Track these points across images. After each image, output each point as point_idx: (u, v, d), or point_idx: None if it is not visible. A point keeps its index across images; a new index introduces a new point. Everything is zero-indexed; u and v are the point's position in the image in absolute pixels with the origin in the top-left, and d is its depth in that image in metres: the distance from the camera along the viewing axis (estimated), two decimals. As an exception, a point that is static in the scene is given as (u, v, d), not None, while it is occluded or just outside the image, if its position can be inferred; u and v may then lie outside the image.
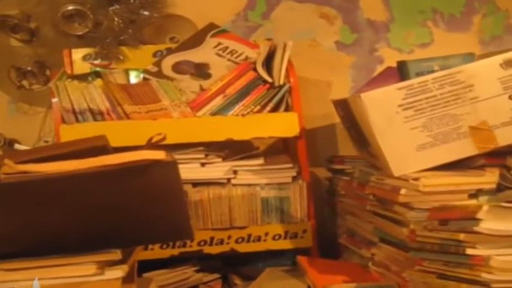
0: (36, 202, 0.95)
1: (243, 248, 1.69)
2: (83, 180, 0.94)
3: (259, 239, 1.68)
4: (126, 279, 1.02)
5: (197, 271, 1.71)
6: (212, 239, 1.66)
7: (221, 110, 1.68)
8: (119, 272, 0.99)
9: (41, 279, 0.98)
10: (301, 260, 1.59)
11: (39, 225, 0.96)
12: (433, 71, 1.38)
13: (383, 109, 1.30)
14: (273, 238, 1.69)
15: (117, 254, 0.98)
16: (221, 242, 1.67)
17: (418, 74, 1.42)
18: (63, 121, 1.63)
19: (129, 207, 0.97)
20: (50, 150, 1.03)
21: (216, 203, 1.64)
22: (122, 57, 1.83)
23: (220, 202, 1.64)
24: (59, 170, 0.93)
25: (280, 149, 1.94)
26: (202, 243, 1.66)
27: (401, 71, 1.47)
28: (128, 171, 0.94)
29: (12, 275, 0.98)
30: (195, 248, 1.66)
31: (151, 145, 1.00)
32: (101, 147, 1.03)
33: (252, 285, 1.55)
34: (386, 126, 1.31)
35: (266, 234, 1.69)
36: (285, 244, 1.70)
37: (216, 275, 1.73)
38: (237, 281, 1.67)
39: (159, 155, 0.93)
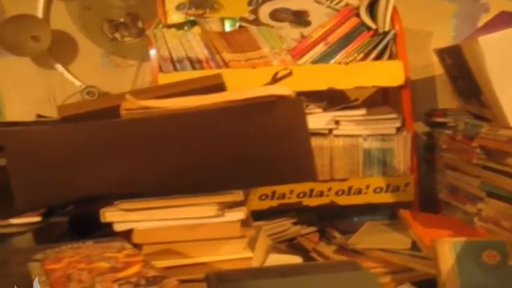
0: (157, 140, 0.93)
1: (343, 200, 1.65)
2: (206, 117, 0.91)
3: (359, 191, 1.64)
4: (244, 222, 0.99)
5: (295, 224, 1.68)
6: (312, 191, 1.63)
7: (323, 58, 1.62)
8: (239, 214, 0.96)
9: (160, 220, 0.96)
10: (404, 213, 1.53)
11: (160, 164, 0.94)
12: (562, 11, 1.28)
13: (501, 54, 1.23)
14: (374, 191, 1.64)
15: (239, 195, 0.95)
16: (321, 194, 1.63)
17: (543, 15, 1.33)
18: (161, 70, 1.61)
19: (253, 146, 0.93)
20: (169, 89, 1.00)
21: (317, 154, 1.59)
22: (216, 6, 1.79)
23: (321, 153, 1.60)
24: (182, 106, 0.90)
25: (378, 101, 1.88)
26: (301, 195, 1.63)
27: (524, 12, 1.38)
28: (254, 107, 0.90)
29: (131, 215, 0.96)
30: (294, 199, 1.63)
31: (276, 81, 0.96)
32: (217, 86, 0.99)
33: (353, 238, 1.51)
34: (504, 73, 1.24)
35: (367, 186, 1.64)
36: (386, 197, 1.65)
37: (313, 228, 1.70)
38: (336, 234, 1.64)
39: (286, 90, 0.88)
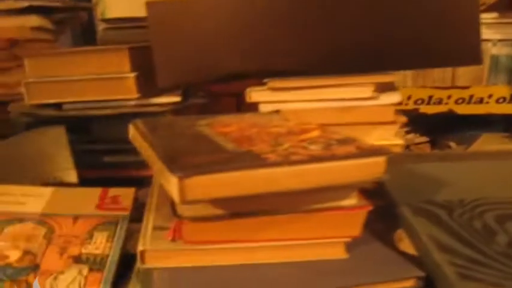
0: (311, 13, 0.88)
1: (463, 109, 1.57)
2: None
3: (481, 101, 1.55)
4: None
5: (408, 132, 1.62)
6: (430, 97, 1.55)
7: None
8: (395, 97, 0.90)
9: (310, 101, 0.92)
10: (527, 123, 1.46)
11: (311, 41, 0.89)
12: None
13: None
14: (497, 101, 1.55)
15: (396, 76, 0.90)
16: (439, 101, 1.56)
17: None
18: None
19: (418, 22, 0.87)
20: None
21: (440, 59, 1.50)
22: None
23: (444, 58, 1.51)
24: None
25: (506, 7, 1.75)
26: (419, 101, 1.55)
27: None
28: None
29: (280, 95, 0.92)
30: (411, 106, 1.56)
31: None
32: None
33: (472, 147, 1.45)
34: None
35: (490, 96, 1.55)
36: (508, 108, 1.56)
37: (426, 138, 1.64)
38: (452, 144, 1.57)
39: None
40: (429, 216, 0.69)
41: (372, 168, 0.57)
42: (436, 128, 1.68)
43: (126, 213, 0.77)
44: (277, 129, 0.70)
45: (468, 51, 0.88)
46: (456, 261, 0.61)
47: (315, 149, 0.59)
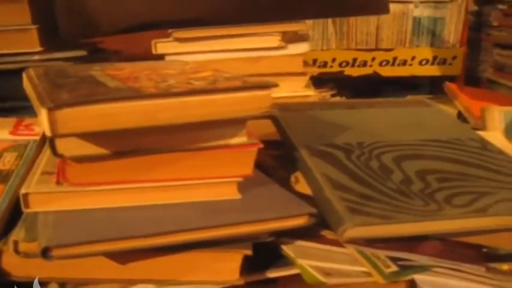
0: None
1: (387, 71, 1.58)
2: None
3: (404, 63, 1.57)
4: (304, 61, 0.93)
5: (333, 95, 1.62)
6: (355, 60, 1.56)
7: None
8: (303, 47, 0.89)
9: (217, 51, 0.90)
10: (450, 85, 1.48)
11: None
12: None
13: None
14: (420, 63, 1.57)
15: (304, 25, 0.88)
16: (364, 63, 1.56)
17: None
18: None
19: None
20: None
21: (363, 21, 1.51)
22: None
23: (368, 20, 1.52)
24: None
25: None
26: (344, 64, 1.56)
27: None
28: None
29: (186, 46, 0.90)
30: (335, 68, 1.56)
31: None
32: None
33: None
34: None
35: (413, 58, 1.57)
36: (432, 70, 1.58)
37: (352, 102, 1.64)
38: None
39: None
40: (326, 157, 0.68)
41: (256, 101, 0.56)
42: (362, 91, 1.69)
43: (37, 137, 0.76)
44: (170, 71, 0.67)
45: (376, 1, 0.87)
46: (347, 197, 0.60)
47: (199, 84, 0.57)
